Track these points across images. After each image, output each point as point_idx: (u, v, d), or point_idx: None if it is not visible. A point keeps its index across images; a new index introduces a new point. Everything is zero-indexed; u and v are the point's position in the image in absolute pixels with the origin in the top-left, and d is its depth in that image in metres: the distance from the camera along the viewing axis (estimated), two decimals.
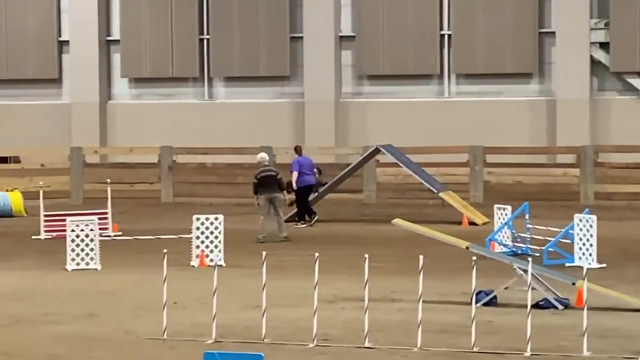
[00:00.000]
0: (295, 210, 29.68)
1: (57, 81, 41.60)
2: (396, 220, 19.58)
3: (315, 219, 29.16)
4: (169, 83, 40.80)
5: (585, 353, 14.37)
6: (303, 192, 29.47)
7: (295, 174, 29.50)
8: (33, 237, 27.25)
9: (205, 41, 40.32)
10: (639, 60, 37.22)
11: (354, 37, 39.29)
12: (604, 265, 21.55)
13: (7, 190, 33.24)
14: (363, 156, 31.23)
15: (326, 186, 30.66)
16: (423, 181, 30.77)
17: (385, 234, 25.92)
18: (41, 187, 29.01)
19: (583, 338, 14.51)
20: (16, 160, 39.40)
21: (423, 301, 15.10)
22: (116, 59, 41.18)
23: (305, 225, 29.08)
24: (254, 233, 25.88)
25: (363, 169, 32.86)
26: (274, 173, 26.99)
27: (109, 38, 41.17)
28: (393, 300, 18.13)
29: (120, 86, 41.51)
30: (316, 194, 29.93)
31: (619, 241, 24.69)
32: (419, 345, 14.73)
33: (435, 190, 30.49)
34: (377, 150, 30.88)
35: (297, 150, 31.17)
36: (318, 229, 28.43)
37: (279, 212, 26.89)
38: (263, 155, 28.55)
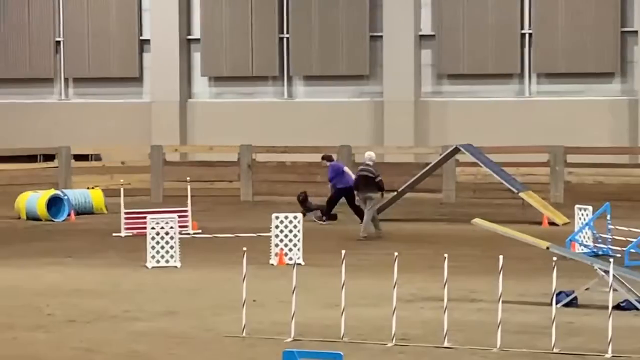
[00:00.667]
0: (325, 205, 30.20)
1: (137, 80, 41.93)
2: (476, 220, 19.51)
3: (326, 221, 29.79)
4: (249, 82, 40.95)
5: None
6: (342, 193, 29.71)
7: (347, 169, 30.16)
8: (114, 234, 27.50)
9: (285, 40, 40.43)
10: None
11: (433, 36, 39.19)
12: None
13: (88, 188, 33.50)
14: (442, 155, 31.12)
15: (405, 186, 30.52)
16: (503, 181, 30.61)
17: (464, 234, 25.83)
18: (122, 184, 29.24)
19: None
20: (97, 158, 39.80)
21: (502, 301, 15.03)
22: (196, 57, 41.41)
23: (322, 222, 29.64)
24: (333, 232, 25.93)
25: (442, 168, 32.72)
26: (370, 174, 27.07)
27: (189, 37, 41.42)
28: (472, 300, 18.08)
29: (200, 85, 41.74)
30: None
31: None
32: (498, 346, 14.68)
33: (515, 190, 30.32)
34: (456, 150, 30.78)
35: (328, 158, 31.35)
36: (396, 228, 28.35)
37: (371, 211, 27.05)
38: (370, 154, 28.64)
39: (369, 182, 26.86)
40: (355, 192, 27.71)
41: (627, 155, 36.59)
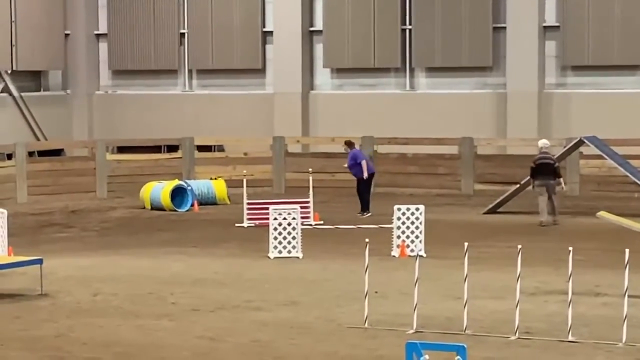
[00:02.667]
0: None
1: (260, 71, 42.18)
2: (601, 213, 19.36)
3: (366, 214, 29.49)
4: (371, 73, 40.97)
5: None
6: (366, 180, 30.08)
7: (364, 163, 30.28)
8: (236, 224, 27.80)
9: (407, 31, 40.36)
10: None
11: (558, 27, 38.78)
12: None
13: (211, 179, 33.87)
14: (566, 148, 30.82)
15: (527, 178, 30.25)
16: (628, 174, 30.21)
17: (588, 227, 25.58)
18: (244, 175, 29.56)
19: None
20: (220, 149, 40.14)
21: (628, 296, 14.89)
22: (319, 49, 41.54)
23: (365, 215, 29.32)
24: (455, 224, 25.88)
25: (566, 160, 32.41)
26: (551, 161, 28.39)
27: (311, 29, 41.56)
28: (597, 294, 17.92)
29: (323, 76, 41.86)
30: None
31: None
32: (624, 341, 14.55)
33: None
34: (580, 142, 30.46)
35: (350, 144, 31.46)
36: (519, 221, 28.21)
37: (553, 198, 27.94)
38: (544, 142, 29.53)
39: (550, 168, 28.16)
40: (533, 179, 28.45)
41: None
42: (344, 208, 31.00)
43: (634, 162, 31.06)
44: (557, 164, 28.73)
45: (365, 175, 29.86)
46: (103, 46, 44.15)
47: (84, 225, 28.95)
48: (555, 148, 32.31)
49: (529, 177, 29.63)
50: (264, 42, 42.05)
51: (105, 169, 35.87)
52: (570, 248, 15.07)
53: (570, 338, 14.79)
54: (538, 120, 38.30)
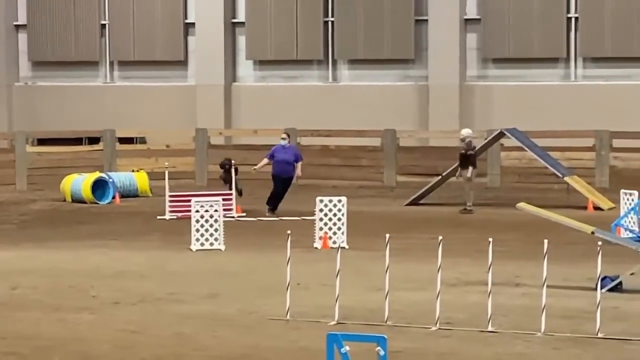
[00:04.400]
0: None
1: (182, 63, 42.05)
2: (521, 204, 19.50)
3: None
4: (293, 65, 40.99)
5: None
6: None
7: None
8: (158, 217, 27.68)
9: (329, 23, 40.44)
10: None
11: (479, 19, 39.09)
12: None
13: (133, 171, 33.69)
14: (487, 140, 31.11)
15: (449, 170, 30.49)
16: (548, 165, 30.58)
17: (509, 218, 25.78)
18: (166, 167, 29.43)
19: None
20: (142, 141, 39.96)
21: (547, 286, 15.04)
22: (241, 41, 41.47)
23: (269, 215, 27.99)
24: (377, 215, 25.99)
25: (487, 152, 32.68)
26: (463, 151, 29.24)
27: (234, 20, 41.48)
28: (517, 284, 18.08)
29: (245, 68, 41.82)
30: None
31: None
32: (542, 330, 14.69)
33: (560, 175, 30.27)
34: (501, 134, 30.74)
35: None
36: (441, 212, 28.38)
37: (467, 185, 28.90)
38: (466, 131, 30.53)
39: (464, 158, 29.13)
40: (461, 169, 29.30)
41: None
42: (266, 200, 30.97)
43: (553, 154, 31.43)
44: (473, 153, 29.36)
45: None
46: (22, 37, 43.81)
47: (3, 218, 28.63)
48: (476, 140, 32.56)
49: (452, 168, 29.91)
50: (186, 34, 41.91)
51: (25, 161, 35.45)
52: (490, 239, 15.17)
53: (490, 328, 14.91)
54: (459, 113, 38.57)
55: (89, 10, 42.61)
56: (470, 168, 29.02)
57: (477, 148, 29.89)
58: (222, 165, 29.30)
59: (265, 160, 28.43)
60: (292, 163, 28.21)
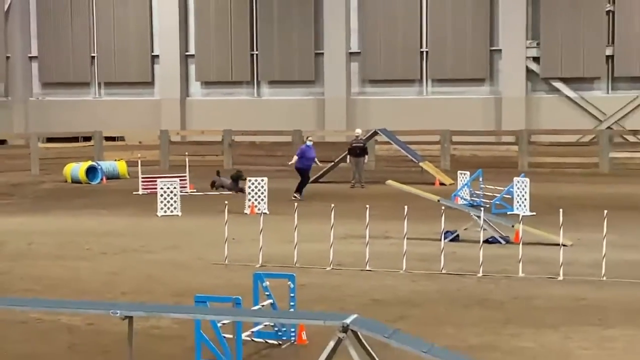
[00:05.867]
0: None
1: (150, 84, 41.86)
2: (389, 182, 19.64)
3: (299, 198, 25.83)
4: (229, 85, 40.94)
5: (521, 274, 14.46)
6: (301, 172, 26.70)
7: (295, 157, 26.67)
8: (134, 193, 27.44)
9: (255, 55, 40.42)
10: (561, 69, 37.18)
11: (359, 52, 39.29)
12: (534, 213, 21.58)
13: (115, 160, 33.48)
14: (366, 137, 31.25)
15: (339, 158, 30.56)
16: (408, 154, 30.83)
17: (381, 191, 25.90)
18: (139, 158, 29.31)
19: (519, 264, 14.59)
20: (121, 139, 39.70)
21: (407, 238, 15.18)
22: (192, 68, 41.38)
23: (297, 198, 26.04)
24: (289, 190, 25.91)
25: (367, 145, 32.84)
26: (361, 144, 29.08)
27: (187, 53, 41.31)
28: (386, 237, 18.21)
29: (195, 87, 41.69)
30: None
31: (545, 196, 24.71)
32: (404, 269, 14.84)
33: (416, 161, 30.53)
34: (375, 133, 30.94)
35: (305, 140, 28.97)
36: (334, 188, 28.49)
37: (360, 169, 28.90)
38: (358, 131, 30.22)
39: (359, 150, 28.77)
40: (349, 156, 28.96)
41: (493, 136, 36.93)
42: (210, 180, 30.84)
43: (412, 146, 31.71)
44: (365, 146, 29.47)
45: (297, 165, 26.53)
46: (35, 65, 43.49)
47: (22, 194, 28.23)
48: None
49: (341, 157, 30.02)
50: (153, 63, 41.76)
51: (37, 154, 35.24)
52: (367, 206, 15.28)
53: (367, 268, 15.02)
54: (346, 118, 38.82)
55: (83, 44, 42.34)
56: (365, 156, 29.23)
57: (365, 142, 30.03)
58: (233, 178, 26.51)
59: (296, 158, 26.44)
60: (312, 159, 26.53)
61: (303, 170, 26.24)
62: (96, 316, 11.33)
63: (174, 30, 40.73)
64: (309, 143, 27.06)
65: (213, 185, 27.32)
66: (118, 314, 8.00)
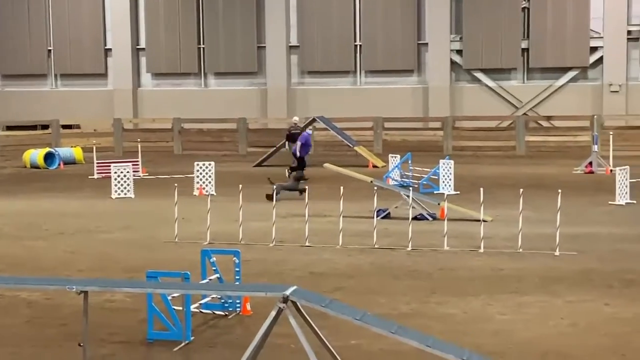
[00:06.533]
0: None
1: (104, 75, 41.33)
2: (326, 164, 19.67)
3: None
4: (178, 76, 40.59)
5: (446, 247, 14.60)
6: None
7: (298, 144, 26.42)
8: (89, 177, 27.10)
9: (202, 48, 40.11)
10: (481, 61, 37.54)
11: (298, 46, 39.21)
12: (458, 192, 21.82)
13: (71, 147, 33.07)
14: (305, 123, 31.24)
15: (281, 143, 30.56)
16: (343, 139, 30.89)
17: (319, 174, 25.93)
18: (94, 144, 28.93)
19: (444, 238, 14.73)
20: (77, 127, 39.20)
21: (343, 216, 15.23)
22: (143, 60, 40.91)
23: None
24: (235, 173, 25.85)
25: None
26: (298, 131, 28.54)
27: (138, 46, 40.83)
28: (324, 215, 18.23)
29: (146, 78, 41.23)
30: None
31: (468, 177, 24.97)
32: (340, 244, 14.88)
33: (351, 145, 30.62)
34: (314, 120, 30.92)
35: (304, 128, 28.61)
36: (275, 172, 28.41)
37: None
38: (295, 118, 30.23)
39: (296, 136, 28.03)
40: (287, 142, 28.73)
41: (421, 123, 37.20)
42: (162, 165, 30.62)
43: (347, 132, 31.78)
44: (298, 131, 29.03)
45: (298, 154, 26.11)
46: None
47: None
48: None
49: (281, 143, 29.96)
50: (106, 56, 41.24)
51: None
52: (307, 187, 15.29)
53: (307, 244, 15.04)
54: (287, 107, 38.76)
55: (39, 39, 41.64)
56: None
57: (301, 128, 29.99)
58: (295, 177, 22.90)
59: (299, 144, 25.96)
60: (310, 146, 26.64)
61: (301, 157, 26.04)
62: (54, 291, 11.21)
63: (125, 24, 40.22)
64: (309, 131, 27.02)
65: (270, 197, 20.89)
66: (74, 289, 7.89)
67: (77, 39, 41.02)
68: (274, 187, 19.21)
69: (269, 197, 18.69)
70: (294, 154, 26.16)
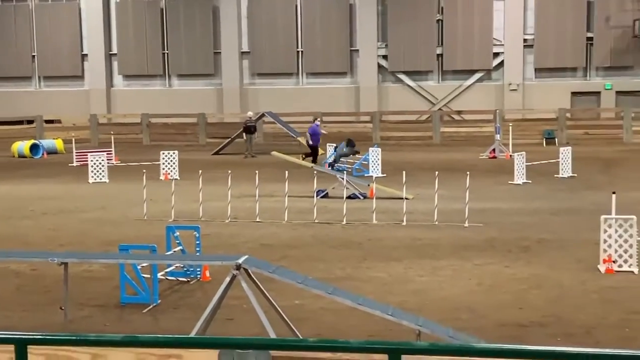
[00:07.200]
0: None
1: (81, 77, 40.44)
2: (274, 152, 19.63)
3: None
4: (146, 78, 39.93)
5: (374, 221, 14.69)
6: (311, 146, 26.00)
7: (308, 135, 26.06)
8: (69, 165, 26.60)
9: (166, 54, 39.55)
10: (404, 64, 37.73)
11: (249, 51, 38.91)
12: (385, 175, 21.95)
13: (54, 139, 32.48)
14: (256, 118, 31.05)
15: (235, 134, 30.34)
16: (289, 131, 30.80)
17: (268, 161, 25.88)
18: (73, 137, 28.46)
19: (373, 214, 14.82)
20: (59, 122, 38.47)
21: (288, 196, 15.21)
22: (115, 64, 40.15)
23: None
24: (196, 161, 25.58)
25: (257, 124, 32.62)
26: (253, 124, 28.77)
27: (110, 52, 40.06)
28: (272, 196, 18.20)
29: (118, 79, 40.47)
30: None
31: (393, 162, 25.13)
32: (286, 220, 14.87)
33: (295, 136, 30.53)
34: (263, 115, 30.75)
35: (314, 120, 27.34)
36: (230, 159, 28.24)
37: (252, 143, 28.46)
38: (250, 113, 29.86)
39: (252, 128, 28.70)
40: (244, 133, 28.41)
41: (354, 117, 37.26)
42: (133, 154, 30.18)
43: (292, 125, 31.69)
44: (255, 125, 29.22)
45: (310, 142, 25.57)
46: None
47: None
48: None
49: (237, 134, 29.77)
50: (83, 60, 40.34)
51: None
52: (257, 171, 15.23)
53: (257, 220, 14.99)
54: (240, 104, 38.46)
55: (25, 46, 40.52)
56: (256, 133, 29.03)
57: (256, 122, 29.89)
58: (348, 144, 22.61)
59: (308, 135, 25.53)
60: (319, 135, 25.88)
61: (314, 146, 25.30)
62: (38, 263, 11.01)
63: (99, 33, 39.44)
64: (317, 122, 26.69)
65: (332, 166, 22.47)
66: (55, 261, 7.75)
67: (57, 45, 40.13)
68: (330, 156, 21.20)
69: (331, 165, 21.64)
70: (307, 144, 25.43)
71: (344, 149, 22.57)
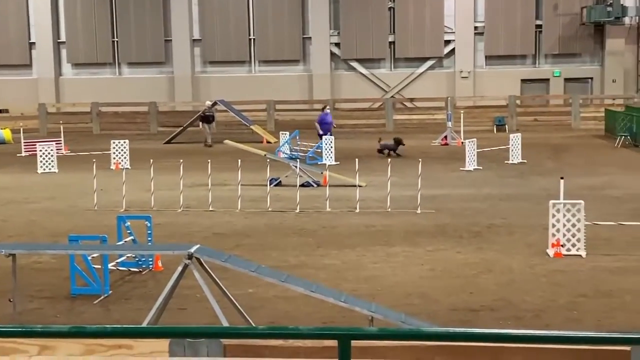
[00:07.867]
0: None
1: (29, 66, 39.59)
2: (226, 141, 19.52)
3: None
4: (95, 66, 39.27)
5: (328, 209, 14.73)
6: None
7: (317, 124, 25.41)
8: (18, 155, 26.05)
9: (115, 41, 38.94)
10: (356, 52, 37.84)
11: (200, 39, 38.55)
12: (338, 162, 22.02)
13: (1, 128, 31.74)
14: (209, 106, 30.83)
15: (187, 123, 30.08)
16: (241, 119, 30.66)
17: (222, 149, 25.74)
18: (22, 126, 27.86)
19: (327, 201, 14.86)
20: (6, 111, 37.62)
21: (241, 184, 15.16)
22: (63, 52, 39.40)
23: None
24: (148, 150, 25.31)
25: (211, 111, 32.40)
26: (211, 113, 28.58)
27: (59, 40, 39.29)
28: (225, 184, 18.14)
29: (67, 68, 39.73)
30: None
31: (347, 149, 25.20)
32: (239, 208, 14.82)
33: (248, 124, 30.43)
34: (215, 103, 30.53)
35: (323, 109, 26.73)
36: (182, 148, 27.99)
37: (209, 133, 28.11)
38: (208, 103, 29.43)
39: (210, 117, 28.45)
40: (202, 122, 28.03)
41: (307, 105, 37.26)
42: (82, 143, 29.69)
43: (245, 113, 31.58)
44: (213, 115, 28.75)
45: (320, 132, 24.92)
46: None
47: None
48: (202, 106, 32.21)
49: (189, 121, 29.51)
50: (31, 49, 39.53)
51: None
52: (209, 160, 15.14)
53: (210, 208, 14.92)
54: (192, 92, 38.16)
55: None
56: (214, 123, 28.51)
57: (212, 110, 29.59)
58: (396, 141, 23.00)
59: (317, 125, 25.00)
60: (330, 123, 25.15)
61: (324, 134, 24.66)
62: None
63: (47, 20, 38.63)
64: (327, 111, 26.24)
65: (381, 150, 23.30)
66: (3, 252, 7.58)
67: (4, 33, 39.16)
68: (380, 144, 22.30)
69: (379, 151, 22.82)
70: (318, 134, 24.90)
71: (390, 144, 22.62)
